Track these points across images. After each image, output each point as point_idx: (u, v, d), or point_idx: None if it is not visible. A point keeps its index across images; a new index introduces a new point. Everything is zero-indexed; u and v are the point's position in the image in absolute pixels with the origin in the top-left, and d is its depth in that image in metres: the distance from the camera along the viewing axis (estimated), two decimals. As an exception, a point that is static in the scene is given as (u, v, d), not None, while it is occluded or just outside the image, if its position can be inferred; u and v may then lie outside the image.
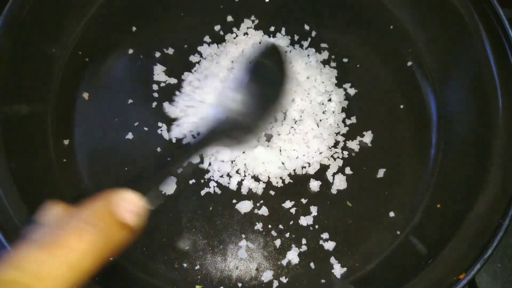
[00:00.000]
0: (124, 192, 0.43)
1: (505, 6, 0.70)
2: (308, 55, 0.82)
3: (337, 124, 0.78)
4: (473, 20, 0.73)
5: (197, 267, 0.70)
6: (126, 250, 0.67)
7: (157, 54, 0.81)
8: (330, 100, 0.80)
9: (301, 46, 0.83)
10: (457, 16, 0.75)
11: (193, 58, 0.81)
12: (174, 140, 0.76)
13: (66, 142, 0.76)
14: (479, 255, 0.59)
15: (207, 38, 0.83)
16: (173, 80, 0.80)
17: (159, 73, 0.80)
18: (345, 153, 0.77)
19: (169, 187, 0.73)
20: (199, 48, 0.82)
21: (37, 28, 0.74)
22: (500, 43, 0.69)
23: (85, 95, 0.78)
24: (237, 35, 0.83)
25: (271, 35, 0.84)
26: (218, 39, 0.83)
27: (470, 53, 0.74)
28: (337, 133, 0.78)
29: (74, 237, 0.37)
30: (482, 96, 0.72)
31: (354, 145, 0.77)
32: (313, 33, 0.84)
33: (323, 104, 0.79)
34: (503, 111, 0.68)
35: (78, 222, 0.39)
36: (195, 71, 0.81)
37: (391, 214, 0.74)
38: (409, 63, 0.83)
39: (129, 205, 0.42)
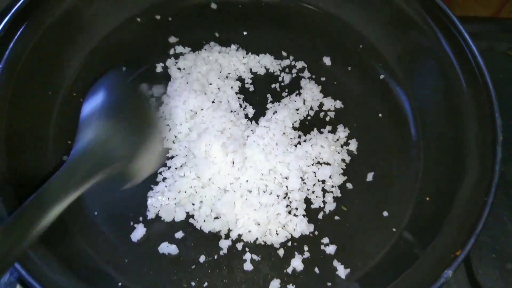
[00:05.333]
0: None
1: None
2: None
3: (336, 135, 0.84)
4: (432, 30, 0.82)
5: (205, 284, 0.71)
6: (134, 271, 0.70)
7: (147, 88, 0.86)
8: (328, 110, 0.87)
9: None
10: (418, 29, 0.84)
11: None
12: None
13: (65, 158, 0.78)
14: (471, 231, 0.63)
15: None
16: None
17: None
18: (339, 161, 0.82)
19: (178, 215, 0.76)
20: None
21: (34, 74, 0.79)
22: (459, 46, 0.78)
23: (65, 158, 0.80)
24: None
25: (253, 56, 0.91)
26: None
27: (432, 57, 0.82)
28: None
29: None
30: (450, 93, 0.79)
31: (344, 153, 0.82)
32: (291, 57, 0.91)
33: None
34: (471, 103, 0.75)
35: None
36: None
37: (385, 213, 0.78)
38: (382, 76, 0.90)
39: None
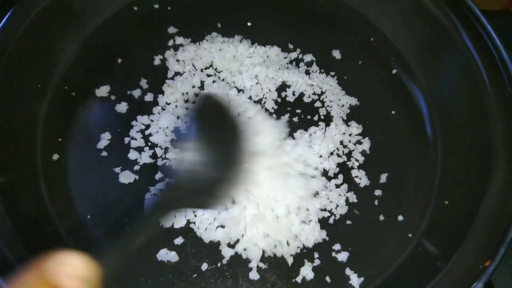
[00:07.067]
0: (62, 256, 0.35)
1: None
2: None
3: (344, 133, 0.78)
4: (450, 20, 0.77)
5: (208, 294, 0.66)
6: (130, 280, 0.64)
7: (143, 82, 0.80)
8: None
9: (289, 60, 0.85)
10: (436, 21, 0.78)
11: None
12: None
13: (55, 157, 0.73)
14: (501, 239, 0.58)
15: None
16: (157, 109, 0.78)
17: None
18: (351, 162, 0.77)
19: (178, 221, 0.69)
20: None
21: (22, 64, 0.72)
22: (481, 39, 0.73)
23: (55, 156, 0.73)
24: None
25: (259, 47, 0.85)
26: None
27: (452, 51, 0.77)
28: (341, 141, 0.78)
29: None
30: (471, 89, 0.74)
31: (357, 153, 0.77)
32: (298, 50, 0.86)
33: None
34: (495, 100, 0.70)
35: None
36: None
37: (400, 217, 0.73)
38: (394, 71, 0.85)
39: (70, 270, 0.34)
